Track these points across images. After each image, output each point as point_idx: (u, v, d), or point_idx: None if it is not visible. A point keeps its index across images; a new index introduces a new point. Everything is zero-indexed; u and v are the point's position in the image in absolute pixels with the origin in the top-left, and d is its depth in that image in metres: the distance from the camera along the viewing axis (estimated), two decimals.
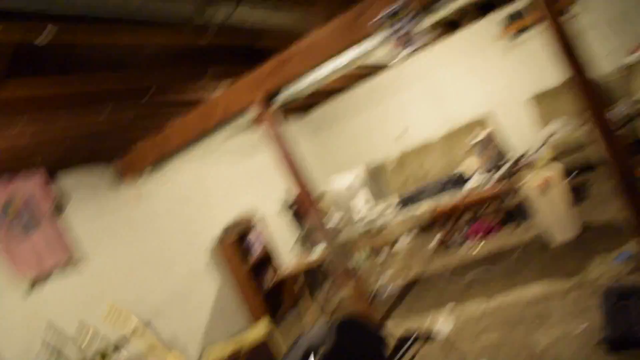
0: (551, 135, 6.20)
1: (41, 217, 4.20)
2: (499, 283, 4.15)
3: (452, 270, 4.90)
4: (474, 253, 5.13)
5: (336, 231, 4.34)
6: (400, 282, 5.24)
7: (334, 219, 4.83)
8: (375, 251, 6.29)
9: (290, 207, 5.77)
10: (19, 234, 4.01)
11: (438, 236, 5.75)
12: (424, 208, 4.60)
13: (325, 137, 8.16)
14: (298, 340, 3.38)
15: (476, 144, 4.59)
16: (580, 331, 3.01)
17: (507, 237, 5.15)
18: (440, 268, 4.96)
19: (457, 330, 3.69)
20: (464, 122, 7.00)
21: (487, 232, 5.42)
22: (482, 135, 4.61)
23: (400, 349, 3.59)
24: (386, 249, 6.58)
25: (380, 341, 3.58)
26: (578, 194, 5.15)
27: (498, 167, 4.42)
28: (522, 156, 5.02)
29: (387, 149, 7.50)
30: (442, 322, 3.84)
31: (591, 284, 3.49)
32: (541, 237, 4.49)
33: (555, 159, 5.82)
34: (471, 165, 4.94)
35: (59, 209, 4.41)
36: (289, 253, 6.17)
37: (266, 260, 6.04)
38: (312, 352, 3.14)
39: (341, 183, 5.01)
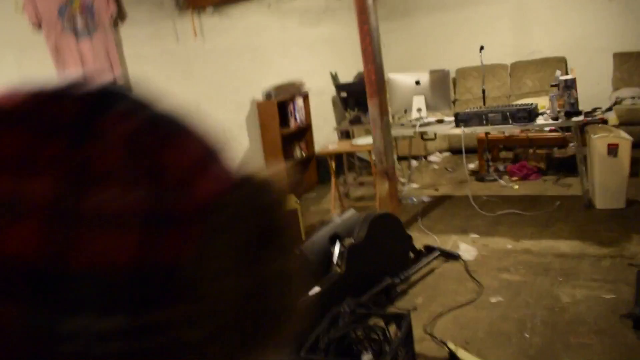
0: (623, 100, 5.88)
1: (98, 26, 4.01)
2: (530, 228, 4.08)
3: (484, 200, 4.81)
4: (511, 191, 5.03)
5: (386, 125, 4.17)
6: (428, 195, 5.18)
7: (388, 112, 4.65)
8: (412, 157, 6.17)
9: (346, 88, 5.55)
10: (72, 35, 3.85)
11: (479, 161, 5.61)
12: (479, 130, 4.43)
13: (396, 27, 7.72)
14: (326, 223, 3.35)
15: (558, 83, 4.32)
16: (606, 299, 2.97)
17: (549, 186, 5.02)
18: (472, 194, 4.87)
19: (478, 261, 3.66)
20: (540, 56, 6.61)
21: (529, 174, 5.28)
22: (566, 76, 4.32)
23: (422, 258, 3.58)
24: (422, 159, 6.47)
25: (407, 244, 3.58)
26: (632, 167, 4.96)
27: (570, 114, 4.18)
28: (594, 110, 4.76)
29: (455, 59, 7.12)
30: (466, 248, 3.81)
31: (627, 258, 3.41)
32: (586, 197, 4.36)
33: (620, 125, 5.56)
34: (541, 102, 4.69)
35: (115, 23, 4.20)
36: (326, 133, 6.05)
37: (302, 133, 5.93)
38: (339, 239, 3.11)
39: (404, 79, 4.78)
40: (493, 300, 3.11)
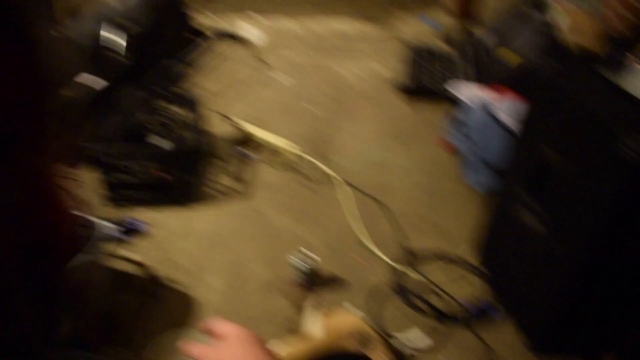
0: None
1: None
2: (308, 8, 4.07)
3: None
4: None
5: None
6: None
7: None
8: None
9: None
10: None
11: None
12: None
13: None
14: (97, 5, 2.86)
15: None
16: (382, 74, 3.24)
17: None
18: None
19: (264, 43, 3.61)
20: None
21: None
22: None
23: (204, 40, 3.42)
24: None
25: (187, 26, 3.35)
26: None
27: None
28: None
29: None
30: (250, 29, 3.70)
31: (398, 36, 3.68)
32: None
33: None
34: None
35: None
36: None
37: None
38: (121, 26, 2.71)
39: None
40: (279, 78, 3.18)
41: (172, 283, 1.96)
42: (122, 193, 2.27)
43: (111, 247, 2.11)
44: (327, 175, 2.41)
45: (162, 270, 2.01)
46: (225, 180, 2.42)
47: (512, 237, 1.67)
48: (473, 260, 1.94)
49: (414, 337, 1.70)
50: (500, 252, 1.78)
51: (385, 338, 1.69)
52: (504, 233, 1.73)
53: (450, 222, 2.14)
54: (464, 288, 1.86)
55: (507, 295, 1.74)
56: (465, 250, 1.99)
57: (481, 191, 2.23)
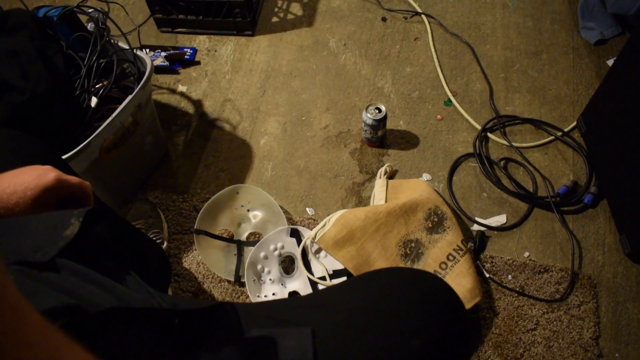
0: None
1: None
2: None
3: None
4: None
5: None
6: None
7: None
8: None
9: None
10: None
11: None
12: None
13: None
14: None
15: None
16: None
17: None
18: None
19: None
20: None
21: None
22: None
23: None
24: None
25: None
26: None
27: None
28: None
29: None
30: None
31: None
32: None
33: None
34: None
35: None
36: None
37: None
38: None
39: None
40: None
41: (224, 123, 1.74)
42: (176, 16, 1.97)
43: (162, 80, 1.88)
44: (409, 6, 2.01)
45: (215, 107, 1.78)
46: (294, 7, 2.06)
47: (635, 115, 1.30)
48: (578, 137, 1.63)
49: (495, 222, 1.49)
50: (616, 133, 1.42)
51: (462, 217, 1.49)
52: (625, 109, 1.36)
53: (556, 84, 1.76)
54: (561, 169, 1.58)
55: (613, 187, 1.45)
56: (569, 124, 1.66)
57: (596, 45, 1.82)
